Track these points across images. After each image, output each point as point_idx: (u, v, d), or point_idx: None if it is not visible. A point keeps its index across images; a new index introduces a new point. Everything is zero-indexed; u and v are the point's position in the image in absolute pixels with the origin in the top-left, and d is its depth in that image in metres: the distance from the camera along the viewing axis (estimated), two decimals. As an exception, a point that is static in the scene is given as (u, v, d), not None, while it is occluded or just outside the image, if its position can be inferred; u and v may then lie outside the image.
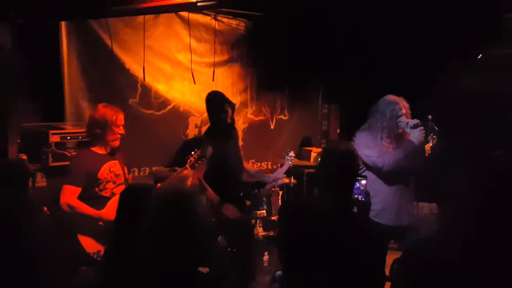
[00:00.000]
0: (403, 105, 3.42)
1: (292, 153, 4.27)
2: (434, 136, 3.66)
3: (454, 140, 4.34)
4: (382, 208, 3.32)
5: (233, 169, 3.88)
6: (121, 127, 3.29)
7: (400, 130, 3.41)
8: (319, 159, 2.31)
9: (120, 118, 3.28)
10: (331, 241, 2.05)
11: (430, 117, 3.65)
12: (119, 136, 3.29)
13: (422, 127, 3.35)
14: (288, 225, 2.20)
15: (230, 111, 3.74)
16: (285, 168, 4.16)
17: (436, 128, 3.69)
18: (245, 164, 4.08)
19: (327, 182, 2.18)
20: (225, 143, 3.80)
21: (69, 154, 3.56)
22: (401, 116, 3.38)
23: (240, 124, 5.43)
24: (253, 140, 5.54)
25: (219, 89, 4.79)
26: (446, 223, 1.63)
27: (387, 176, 3.36)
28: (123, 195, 2.33)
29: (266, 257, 4.32)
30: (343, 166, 2.16)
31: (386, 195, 3.37)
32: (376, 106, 3.46)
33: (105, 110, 3.24)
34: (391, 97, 3.45)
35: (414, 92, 4.97)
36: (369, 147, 3.35)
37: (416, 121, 3.36)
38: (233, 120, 3.83)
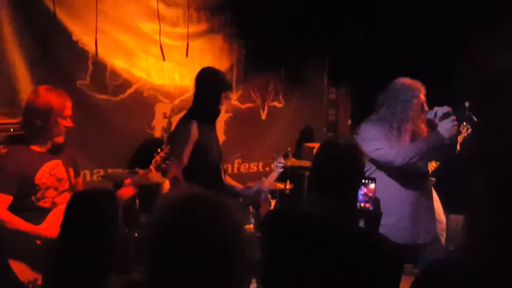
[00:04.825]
0: (421, 90, 3.49)
1: (281, 159, 4.25)
2: (468, 126, 3.69)
3: (497, 135, 4.35)
4: (396, 221, 3.37)
5: (218, 168, 3.92)
6: (69, 119, 3.26)
7: (419, 123, 3.48)
8: (314, 157, 2.30)
9: (68, 106, 3.25)
10: (327, 265, 2.02)
11: (467, 104, 3.67)
12: (65, 130, 3.26)
13: (454, 117, 3.38)
14: (271, 244, 2.16)
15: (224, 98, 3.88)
16: (271, 178, 4.12)
17: (475, 119, 3.71)
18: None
19: (323, 186, 2.17)
20: (211, 133, 3.88)
21: (-2, 152, 3.51)
22: (421, 103, 3.45)
23: (222, 114, 5.34)
24: (239, 133, 5.52)
25: (195, 68, 4.76)
26: (472, 240, 1.66)
27: (401, 177, 3.42)
28: (71, 203, 2.32)
29: (253, 286, 4.29)
30: (342, 164, 2.17)
31: (400, 204, 3.43)
32: (387, 92, 3.54)
33: (49, 96, 3.19)
34: (406, 80, 3.52)
35: (442, 72, 5.00)
36: (377, 138, 3.42)
37: (447, 108, 3.41)
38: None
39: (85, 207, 2.28)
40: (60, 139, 3.27)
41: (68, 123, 3.25)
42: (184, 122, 3.82)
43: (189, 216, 1.45)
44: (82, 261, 2.15)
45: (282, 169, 4.25)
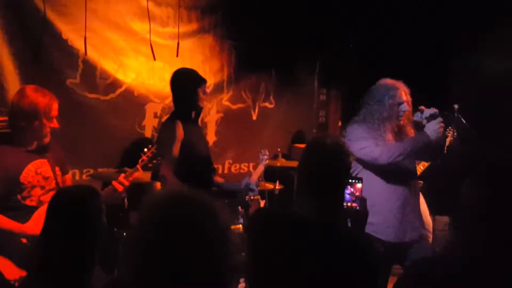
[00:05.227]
0: (404, 91, 3.51)
1: (266, 152, 4.33)
2: (454, 130, 3.70)
3: (486, 138, 4.36)
4: (383, 220, 3.39)
5: (208, 166, 3.93)
6: (55, 120, 3.22)
7: (402, 123, 3.50)
8: (300, 157, 2.31)
9: (55, 107, 3.21)
10: (315, 264, 2.02)
11: (456, 106, 3.68)
12: (50, 130, 3.23)
13: (440, 118, 3.39)
14: (258, 243, 2.17)
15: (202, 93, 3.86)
16: (258, 171, 4.17)
17: (464, 121, 3.72)
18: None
19: (310, 185, 2.18)
20: (197, 131, 3.89)
21: (-15, 150, 3.47)
22: (402, 103, 3.48)
23: (213, 114, 5.40)
24: (230, 134, 5.53)
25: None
26: (458, 241, 1.66)
27: (388, 176, 3.44)
28: (53, 200, 2.31)
29: (241, 285, 4.27)
30: (329, 163, 2.18)
31: (387, 202, 3.44)
32: (370, 93, 3.56)
33: (35, 96, 3.14)
34: (388, 81, 3.55)
35: (434, 75, 4.99)
36: (363, 138, 3.43)
37: (433, 110, 3.42)
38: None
39: (68, 203, 2.26)
40: (45, 140, 3.23)
41: (53, 124, 3.21)
42: (169, 123, 3.83)
43: (172, 215, 1.46)
44: (64, 258, 2.14)
45: (268, 161, 4.28)
